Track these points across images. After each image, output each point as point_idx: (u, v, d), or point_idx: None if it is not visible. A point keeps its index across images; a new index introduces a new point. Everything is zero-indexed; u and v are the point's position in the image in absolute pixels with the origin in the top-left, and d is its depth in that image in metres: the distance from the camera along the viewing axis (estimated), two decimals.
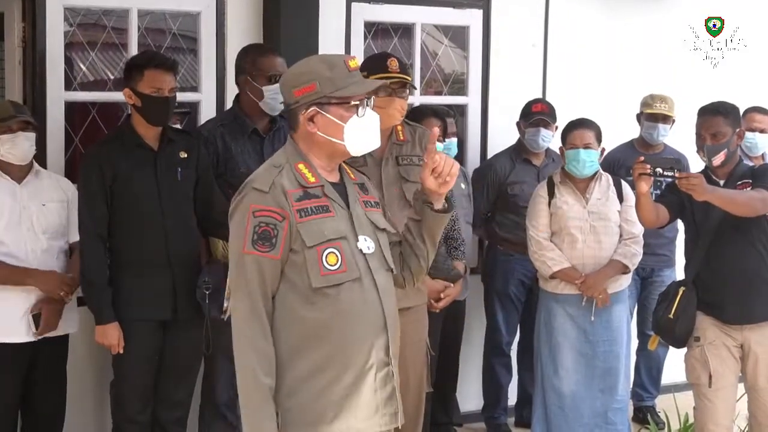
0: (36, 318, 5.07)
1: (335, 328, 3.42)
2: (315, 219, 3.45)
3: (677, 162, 5.33)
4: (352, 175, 3.67)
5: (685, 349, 5.52)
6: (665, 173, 5.10)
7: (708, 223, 5.27)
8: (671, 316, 5.35)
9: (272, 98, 5.27)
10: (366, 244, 3.51)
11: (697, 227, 5.35)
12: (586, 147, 5.80)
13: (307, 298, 3.42)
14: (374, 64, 4.84)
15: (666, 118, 6.85)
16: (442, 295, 5.72)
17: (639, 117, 6.95)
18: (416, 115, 6.05)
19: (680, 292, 5.35)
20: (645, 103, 6.90)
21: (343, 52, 6.23)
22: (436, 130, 3.74)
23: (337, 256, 3.44)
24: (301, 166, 3.52)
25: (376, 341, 3.47)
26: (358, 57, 3.59)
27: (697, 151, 5.36)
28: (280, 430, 3.42)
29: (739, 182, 5.26)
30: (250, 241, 3.41)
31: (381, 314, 3.49)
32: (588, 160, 5.81)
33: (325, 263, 3.42)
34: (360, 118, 3.50)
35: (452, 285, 5.76)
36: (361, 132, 3.51)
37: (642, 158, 5.20)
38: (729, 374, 5.34)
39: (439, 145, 5.97)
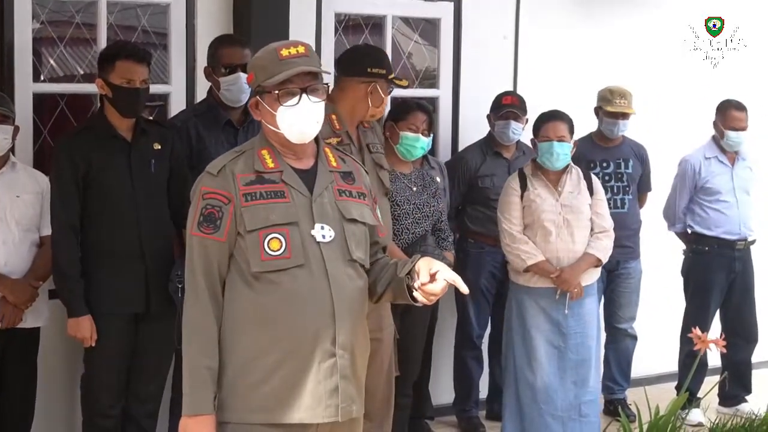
0: None
1: (278, 313, 3.41)
2: (262, 204, 3.44)
3: None
4: (334, 163, 3.63)
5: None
6: None
7: None
8: None
9: (227, 89, 5.28)
10: (322, 232, 3.47)
11: None
12: (560, 140, 5.80)
13: (250, 282, 3.43)
14: (377, 60, 4.80)
15: (626, 114, 6.85)
16: None
17: (597, 111, 6.93)
18: (402, 109, 6.05)
19: None
20: (604, 99, 6.85)
21: (314, 45, 6.20)
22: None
23: (281, 241, 3.42)
24: (264, 151, 3.53)
25: (322, 331, 3.43)
26: (305, 44, 3.51)
27: None
28: (220, 413, 3.44)
29: None
30: (197, 223, 3.45)
31: (329, 304, 3.44)
32: (562, 153, 5.80)
33: (267, 248, 3.41)
34: (288, 108, 3.47)
35: None
36: (292, 121, 3.47)
37: None
38: None
39: (425, 140, 5.96)
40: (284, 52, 3.46)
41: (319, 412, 3.46)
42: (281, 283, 3.41)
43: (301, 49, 3.49)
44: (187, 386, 3.45)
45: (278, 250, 3.41)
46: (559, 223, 5.81)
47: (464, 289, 3.47)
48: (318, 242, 3.46)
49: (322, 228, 3.48)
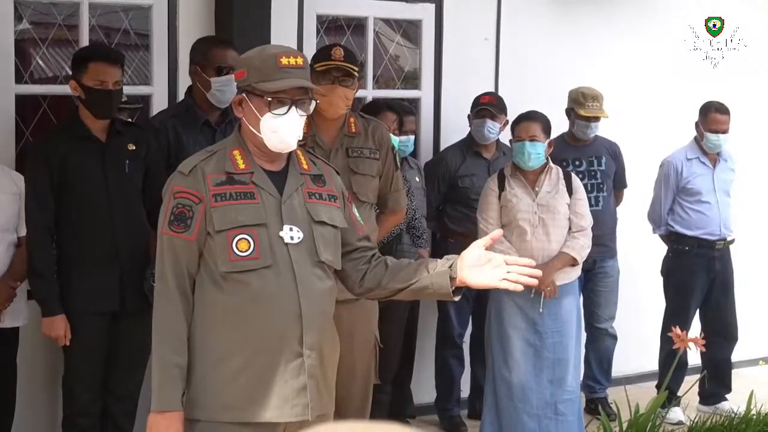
0: None
1: (245, 313, 3.46)
2: (231, 204, 3.47)
3: None
4: (305, 165, 3.65)
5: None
6: None
7: None
8: None
9: (219, 90, 5.28)
10: (290, 233, 3.50)
11: None
12: (532, 139, 5.82)
13: (219, 281, 3.47)
14: (320, 53, 4.92)
15: (598, 117, 6.87)
16: None
17: (569, 112, 6.92)
18: (372, 108, 6.08)
19: None
20: (576, 101, 6.83)
21: (296, 47, 6.24)
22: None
23: (249, 242, 3.45)
24: (236, 152, 3.55)
25: (289, 331, 3.47)
26: (302, 55, 3.53)
27: None
28: (190, 410, 3.47)
29: None
30: (168, 222, 3.47)
31: (296, 304, 3.47)
32: (533, 153, 5.83)
33: (235, 249, 3.44)
34: (276, 117, 3.49)
35: None
36: (275, 129, 3.50)
37: None
38: None
39: (395, 139, 6.00)
40: (284, 61, 3.48)
41: (286, 411, 3.50)
42: (249, 284, 3.45)
43: (300, 61, 3.52)
44: (156, 383, 3.49)
45: (246, 250, 3.45)
46: (535, 223, 5.84)
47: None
48: (286, 243, 3.49)
49: (291, 229, 3.51)
